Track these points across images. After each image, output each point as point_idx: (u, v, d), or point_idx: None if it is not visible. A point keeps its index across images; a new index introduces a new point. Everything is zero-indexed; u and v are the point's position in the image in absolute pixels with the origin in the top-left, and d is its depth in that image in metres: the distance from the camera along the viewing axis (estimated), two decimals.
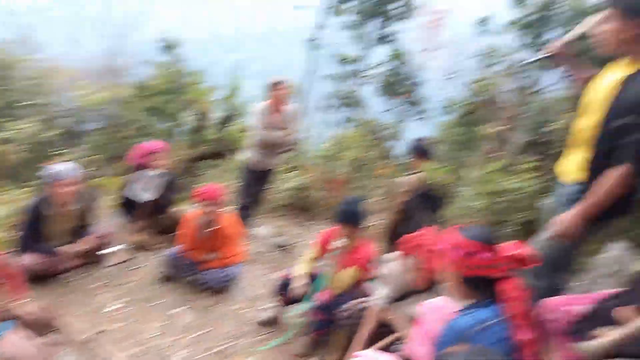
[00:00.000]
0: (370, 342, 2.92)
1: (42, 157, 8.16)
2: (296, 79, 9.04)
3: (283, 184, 6.88)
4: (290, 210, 6.78)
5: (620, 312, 2.20)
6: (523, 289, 1.70)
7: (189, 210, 4.48)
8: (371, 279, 3.38)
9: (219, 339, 3.42)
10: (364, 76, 7.65)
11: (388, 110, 7.69)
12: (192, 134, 9.58)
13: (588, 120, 2.28)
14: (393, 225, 4.18)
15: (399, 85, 7.39)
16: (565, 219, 2.20)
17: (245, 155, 4.85)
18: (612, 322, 2.12)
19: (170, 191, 4.50)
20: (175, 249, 3.96)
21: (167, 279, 3.99)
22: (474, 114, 6.65)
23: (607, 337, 1.84)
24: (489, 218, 5.90)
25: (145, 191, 4.25)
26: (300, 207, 6.83)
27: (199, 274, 3.89)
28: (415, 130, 4.51)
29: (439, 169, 5.39)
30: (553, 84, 6.50)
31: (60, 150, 7.16)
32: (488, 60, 6.75)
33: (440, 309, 2.27)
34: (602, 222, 2.25)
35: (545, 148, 6.66)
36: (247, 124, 4.99)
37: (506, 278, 1.68)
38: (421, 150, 4.25)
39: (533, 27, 6.76)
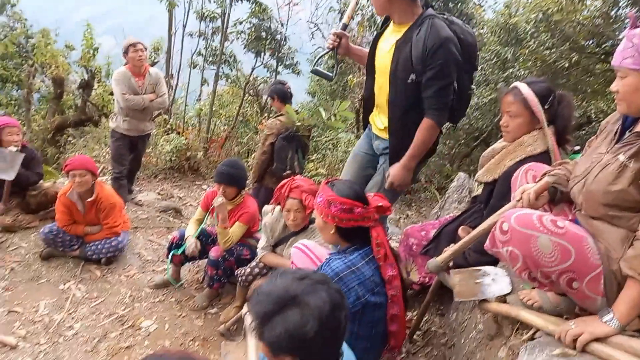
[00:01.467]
0: None
1: None
2: (159, 36, 8.62)
3: (162, 148, 6.72)
4: (172, 173, 6.69)
5: (461, 231, 2.70)
6: (385, 233, 1.99)
7: (59, 185, 4.27)
8: (257, 231, 3.62)
9: (116, 305, 3.43)
10: (229, 32, 7.55)
11: (259, 65, 7.74)
12: (50, 101, 8.75)
13: (380, 83, 2.57)
14: (261, 166, 4.40)
15: (265, 40, 7.46)
16: (396, 174, 2.57)
17: (114, 122, 4.67)
18: (455, 240, 2.58)
19: (32, 167, 4.19)
20: (52, 225, 3.80)
21: (49, 256, 3.83)
22: (341, 64, 6.99)
23: (445, 253, 2.25)
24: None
25: (4, 171, 3.91)
26: (182, 169, 6.77)
27: (84, 247, 3.80)
28: (290, 82, 4.68)
29: (302, 111, 5.69)
30: None
31: None
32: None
33: (307, 251, 2.59)
34: (419, 165, 2.66)
35: None
36: (112, 89, 4.77)
37: (373, 226, 1.96)
38: (282, 93, 4.46)
39: None
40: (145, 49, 4.51)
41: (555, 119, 2.41)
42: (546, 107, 2.34)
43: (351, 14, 2.69)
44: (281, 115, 4.39)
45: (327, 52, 2.82)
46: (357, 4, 2.78)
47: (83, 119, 7.79)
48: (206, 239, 3.59)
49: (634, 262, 1.46)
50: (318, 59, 3.29)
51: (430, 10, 2.24)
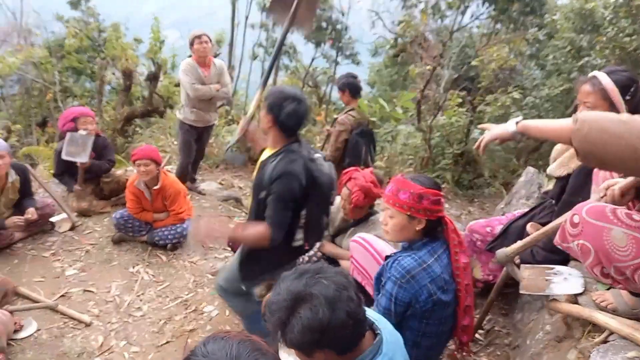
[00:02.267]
0: None
1: None
2: (221, 28, 8.79)
3: (223, 138, 6.87)
4: (233, 164, 6.81)
5: (530, 227, 2.58)
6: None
7: (129, 173, 4.47)
8: None
9: (180, 290, 3.55)
10: None
11: (319, 56, 7.72)
12: (120, 92, 9.15)
13: None
14: (334, 163, 4.33)
15: (325, 30, 7.41)
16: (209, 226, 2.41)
17: (182, 114, 4.82)
18: (523, 237, 2.48)
19: (104, 155, 4.41)
20: (123, 211, 3.98)
21: (120, 240, 4.03)
22: (402, 54, 6.85)
23: (513, 247, 2.16)
24: (428, 152, 6.29)
25: (77, 154, 4.12)
26: (246, 161, 6.87)
27: (151, 233, 3.96)
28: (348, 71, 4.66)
29: (374, 105, 5.60)
30: (471, 21, 6.80)
31: None
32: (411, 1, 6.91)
33: (367, 246, 2.55)
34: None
35: (471, 82, 7.05)
36: (178, 80, 4.90)
37: (444, 216, 1.90)
38: (354, 87, 4.38)
39: None
40: (210, 41, 4.60)
41: (636, 110, 2.24)
42: (627, 97, 2.18)
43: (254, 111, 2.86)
44: (352, 110, 4.34)
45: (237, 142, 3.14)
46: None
47: (150, 109, 8.10)
48: None
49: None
50: (231, 146, 3.66)
51: (294, 146, 2.32)
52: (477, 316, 2.77)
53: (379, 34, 7.26)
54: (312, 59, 7.81)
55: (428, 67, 6.33)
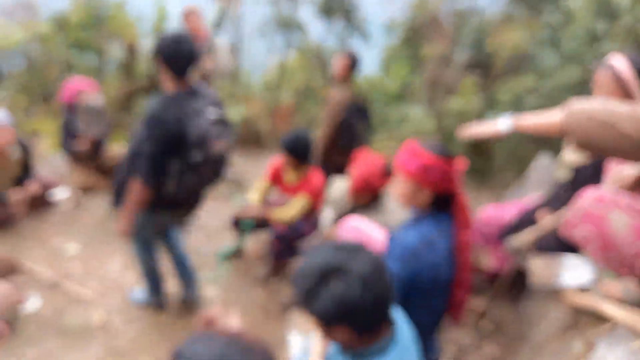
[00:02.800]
0: None
1: None
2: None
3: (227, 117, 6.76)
4: (238, 144, 6.72)
5: (540, 214, 2.49)
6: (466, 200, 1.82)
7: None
8: (322, 205, 3.53)
9: None
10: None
11: (329, 33, 7.54)
12: (123, 68, 9.06)
13: None
14: (330, 139, 4.17)
15: (337, 6, 7.22)
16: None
17: None
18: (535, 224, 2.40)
19: (107, 129, 4.33)
20: None
21: None
22: (416, 35, 6.68)
23: (525, 235, 2.08)
24: (439, 137, 6.17)
25: (89, 125, 4.04)
26: (248, 139, 6.79)
27: None
28: (358, 52, 4.46)
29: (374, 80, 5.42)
30: (489, 4, 6.60)
31: None
32: None
33: (360, 232, 2.44)
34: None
35: (486, 66, 6.88)
36: None
37: (457, 190, 1.79)
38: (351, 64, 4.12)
39: None
40: (198, 16, 4.46)
41: None
42: None
43: None
44: (347, 86, 4.15)
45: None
46: None
47: (153, 85, 7.99)
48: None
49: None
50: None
51: (181, 94, 2.35)
52: (485, 305, 2.72)
53: (391, 12, 7.09)
54: (321, 38, 7.64)
55: (441, 49, 6.17)
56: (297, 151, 3.15)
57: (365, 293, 1.22)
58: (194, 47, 2.37)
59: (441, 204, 1.79)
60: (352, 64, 4.07)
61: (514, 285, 3.03)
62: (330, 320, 1.27)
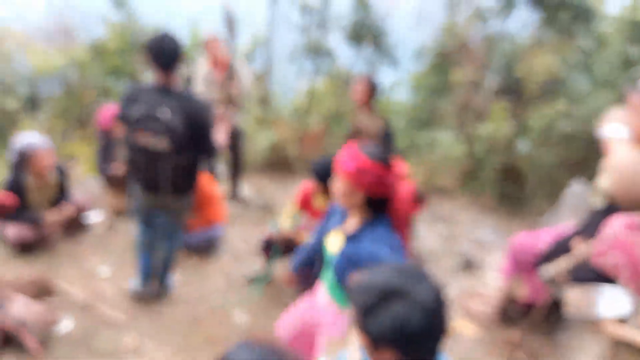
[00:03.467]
0: None
1: (5, 127, 7.87)
2: (259, 31, 8.80)
3: (256, 142, 6.85)
4: (266, 168, 6.79)
5: (575, 243, 2.41)
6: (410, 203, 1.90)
7: None
8: None
9: (211, 294, 3.51)
10: (329, 25, 7.50)
11: (358, 59, 7.61)
12: None
13: None
14: None
15: (366, 32, 7.29)
16: None
17: None
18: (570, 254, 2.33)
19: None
20: None
21: None
22: (445, 60, 6.68)
23: (560, 264, 2.02)
24: (469, 162, 6.09)
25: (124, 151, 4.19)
26: (276, 164, 6.84)
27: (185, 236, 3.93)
28: (387, 77, 4.46)
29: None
30: (520, 29, 6.57)
31: (22, 119, 6.90)
32: (455, 4, 6.72)
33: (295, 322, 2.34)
34: None
35: (517, 92, 6.81)
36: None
37: (392, 195, 1.82)
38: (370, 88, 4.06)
39: None
40: (222, 44, 4.56)
41: None
42: None
43: None
44: (373, 113, 4.12)
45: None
46: None
47: None
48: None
49: None
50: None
51: (152, 83, 2.78)
52: (520, 335, 2.63)
53: (421, 39, 7.11)
54: (351, 63, 7.71)
55: (470, 75, 6.14)
56: (327, 177, 3.16)
57: (424, 322, 1.19)
58: (177, 46, 2.70)
59: (377, 207, 1.80)
60: (372, 88, 4.02)
61: (550, 315, 2.95)
62: (382, 342, 1.23)
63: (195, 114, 2.74)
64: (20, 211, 3.66)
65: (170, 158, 2.77)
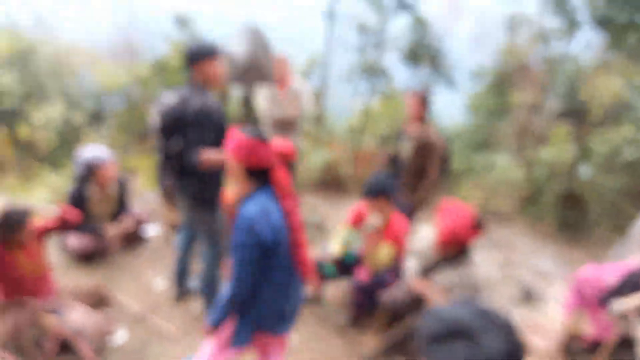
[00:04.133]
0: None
1: (71, 141, 8.34)
2: (316, 51, 8.94)
3: (310, 162, 6.90)
4: (318, 188, 6.82)
5: None
6: (286, 173, 2.11)
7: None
8: (406, 253, 3.46)
9: None
10: (385, 45, 7.51)
11: (414, 80, 7.57)
12: None
13: None
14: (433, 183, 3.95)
15: (423, 53, 7.24)
16: None
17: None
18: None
19: None
20: None
21: None
22: (504, 81, 6.53)
23: (630, 300, 1.89)
24: (528, 187, 5.87)
25: None
26: (330, 184, 6.86)
27: None
28: (443, 99, 4.40)
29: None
30: (581, 50, 6.32)
31: (86, 132, 7.29)
32: (516, 26, 6.57)
33: None
34: None
35: (579, 115, 6.53)
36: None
37: (276, 167, 2.06)
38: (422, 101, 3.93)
39: None
40: (288, 63, 4.62)
41: None
42: None
43: None
44: (430, 124, 4.03)
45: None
46: None
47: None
48: (350, 260, 3.51)
49: None
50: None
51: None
52: None
53: (479, 60, 6.99)
54: (407, 83, 7.68)
55: (531, 97, 5.96)
56: (381, 192, 3.13)
57: None
58: (214, 47, 2.88)
59: (258, 178, 2.05)
60: (423, 101, 3.91)
61: (619, 354, 2.77)
62: None
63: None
64: (81, 222, 3.82)
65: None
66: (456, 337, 1.15)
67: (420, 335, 1.21)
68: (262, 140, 2.02)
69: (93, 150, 3.82)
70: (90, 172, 3.76)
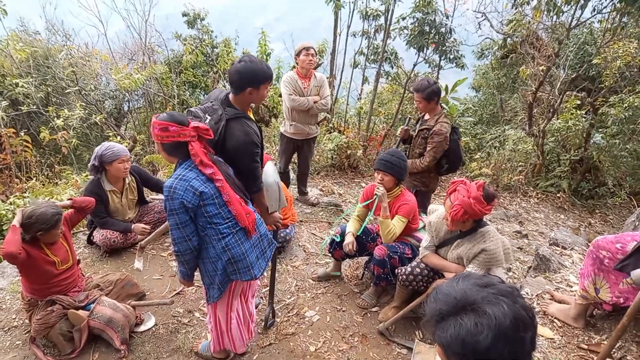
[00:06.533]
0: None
1: (92, 140, 8.56)
2: (324, 38, 8.97)
3: (324, 146, 6.98)
4: (333, 171, 6.90)
5: None
6: (204, 146, 2.33)
7: None
8: (418, 228, 3.52)
9: (283, 293, 3.63)
10: (392, 29, 7.47)
11: (421, 61, 7.53)
12: None
13: None
14: (433, 166, 4.07)
15: (428, 34, 7.19)
16: None
17: (283, 127, 4.92)
18: None
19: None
20: None
21: None
22: (512, 54, 6.45)
23: None
24: (540, 158, 5.83)
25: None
26: (342, 167, 6.94)
27: None
28: (452, 77, 4.39)
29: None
30: (593, 16, 6.18)
31: (107, 131, 7.48)
32: None
33: None
34: None
35: (591, 83, 6.42)
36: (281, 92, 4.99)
37: (193, 141, 2.27)
38: (439, 95, 4.02)
39: None
40: (316, 54, 4.66)
41: None
42: None
43: None
44: (442, 116, 3.99)
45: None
46: None
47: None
48: (367, 237, 3.60)
49: None
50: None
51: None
52: (606, 342, 2.48)
53: (486, 35, 6.91)
54: (414, 64, 7.65)
55: (541, 68, 5.88)
56: (392, 169, 3.26)
57: (496, 343, 1.11)
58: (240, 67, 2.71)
59: (176, 152, 2.30)
60: (428, 97, 3.94)
61: (638, 319, 2.77)
62: (452, 353, 1.20)
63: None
64: (106, 216, 3.98)
65: None
66: (461, 311, 1.16)
67: (427, 317, 1.23)
68: (172, 120, 2.25)
69: (106, 144, 3.91)
70: (102, 164, 3.86)
